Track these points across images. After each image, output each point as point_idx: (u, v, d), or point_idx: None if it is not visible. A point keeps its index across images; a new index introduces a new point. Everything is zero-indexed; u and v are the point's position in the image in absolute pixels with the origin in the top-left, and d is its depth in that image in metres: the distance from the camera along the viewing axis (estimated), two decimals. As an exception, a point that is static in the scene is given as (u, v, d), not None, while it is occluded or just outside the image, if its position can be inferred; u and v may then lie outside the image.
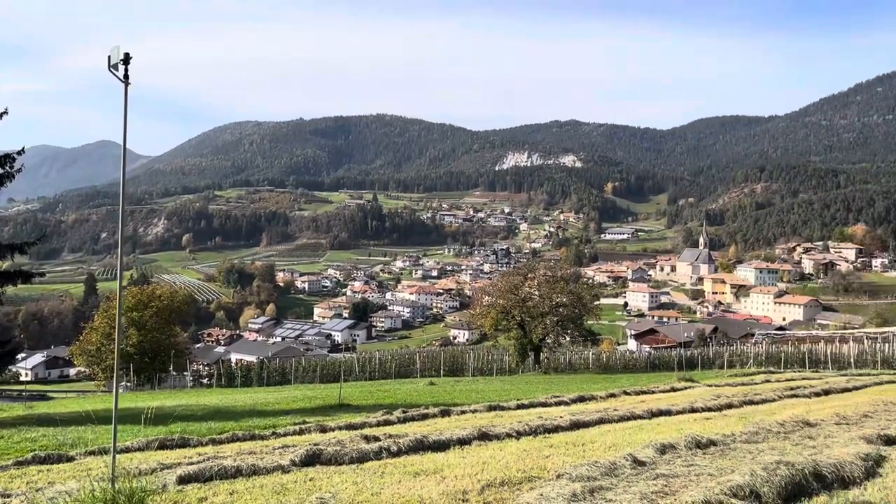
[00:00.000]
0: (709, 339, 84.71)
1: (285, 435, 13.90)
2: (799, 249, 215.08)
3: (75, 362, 67.83)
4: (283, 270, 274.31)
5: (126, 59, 6.52)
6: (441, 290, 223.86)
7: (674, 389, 25.21)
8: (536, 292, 52.88)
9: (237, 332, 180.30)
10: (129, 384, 51.93)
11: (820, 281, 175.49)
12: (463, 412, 17.34)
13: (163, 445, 12.15)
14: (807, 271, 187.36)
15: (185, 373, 58.64)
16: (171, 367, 56.65)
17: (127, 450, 11.78)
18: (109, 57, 6.60)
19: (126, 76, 6.55)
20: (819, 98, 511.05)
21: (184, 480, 8.32)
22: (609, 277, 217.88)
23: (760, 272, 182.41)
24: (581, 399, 20.74)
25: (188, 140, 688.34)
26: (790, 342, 64.65)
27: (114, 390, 8.14)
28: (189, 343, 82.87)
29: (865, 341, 55.49)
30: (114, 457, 7.43)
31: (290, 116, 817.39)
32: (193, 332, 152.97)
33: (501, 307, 52.61)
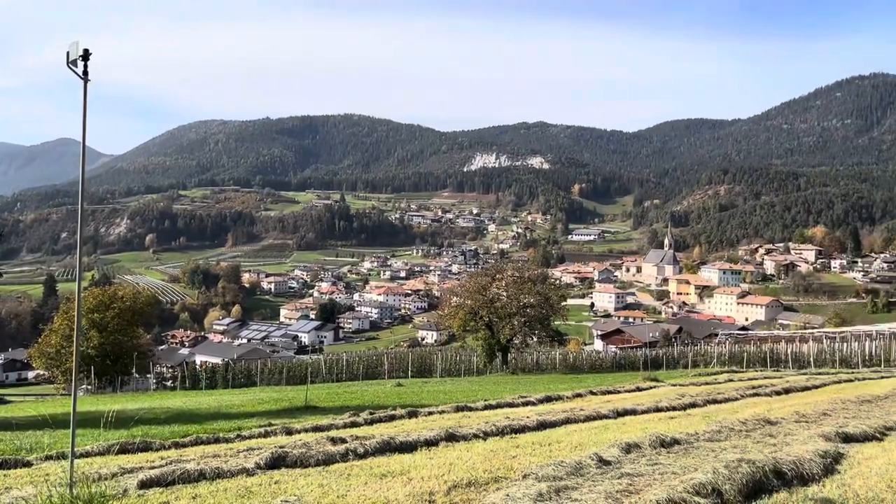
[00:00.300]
0: (673, 340, 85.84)
1: (250, 437, 13.73)
2: (761, 251, 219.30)
3: (34, 365, 66.30)
4: (249, 271, 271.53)
5: (86, 56, 6.37)
6: (409, 291, 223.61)
7: (639, 389, 25.49)
8: (504, 293, 53.08)
9: (202, 333, 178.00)
10: (89, 387, 50.91)
11: (781, 281, 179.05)
12: (430, 413, 17.31)
13: (124, 449, 11.90)
14: (768, 272, 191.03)
15: (149, 375, 57.68)
16: (134, 370, 55.67)
17: (87, 454, 11.52)
18: (68, 53, 6.45)
19: (86, 73, 6.40)
20: (780, 102, 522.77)
21: (145, 485, 8.16)
22: (576, 278, 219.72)
23: (724, 273, 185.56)
24: (548, 399, 20.86)
25: (152, 138, 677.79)
26: (752, 342, 65.87)
27: (72, 393, 7.96)
28: (152, 345, 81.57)
29: (824, 341, 56.76)
30: (72, 461, 7.26)
31: (256, 115, 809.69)
32: (157, 333, 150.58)
33: (469, 308, 52.71)
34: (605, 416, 15.22)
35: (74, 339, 7.31)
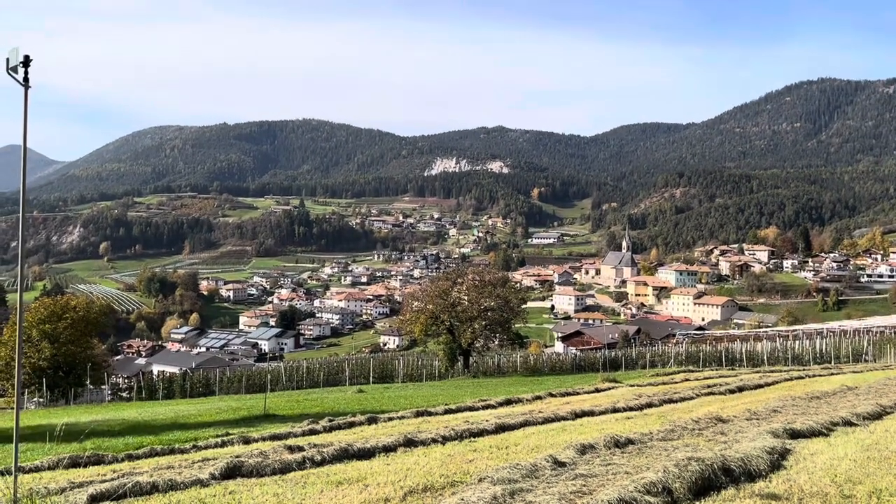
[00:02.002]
0: (632, 340, 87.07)
1: (206, 448, 13.53)
2: (716, 252, 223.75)
3: (-18, 378, 64.10)
4: (207, 278, 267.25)
5: (26, 62, 6.23)
6: (371, 297, 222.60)
7: (598, 390, 25.79)
8: (465, 297, 53.21)
9: (159, 342, 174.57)
10: (41, 400, 49.56)
11: (736, 282, 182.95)
12: (390, 419, 17.27)
13: (74, 463, 11.62)
14: (724, 273, 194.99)
15: (103, 386, 56.38)
16: (88, 381, 54.33)
17: (35, 469, 11.23)
18: (8, 59, 6.30)
19: (26, 79, 6.26)
20: (733, 106, 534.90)
21: (95, 499, 7.99)
22: (536, 281, 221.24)
23: (680, 274, 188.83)
24: (508, 402, 20.97)
25: (106, 144, 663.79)
26: (708, 342, 67.22)
27: (15, 402, 7.76)
28: (107, 355, 79.80)
29: (777, 339, 58.19)
30: (15, 476, 7.07)
31: (213, 120, 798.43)
32: (112, 343, 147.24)
33: (431, 312, 52.67)
34: (564, 418, 15.38)
35: (17, 348, 7.11)
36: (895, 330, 58.97)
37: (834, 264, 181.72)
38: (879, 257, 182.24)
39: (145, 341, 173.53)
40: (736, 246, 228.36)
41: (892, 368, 32.79)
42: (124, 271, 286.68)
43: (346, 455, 10.50)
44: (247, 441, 14.13)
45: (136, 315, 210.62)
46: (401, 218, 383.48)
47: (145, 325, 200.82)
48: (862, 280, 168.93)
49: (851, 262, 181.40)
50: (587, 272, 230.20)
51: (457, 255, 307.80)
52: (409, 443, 11.59)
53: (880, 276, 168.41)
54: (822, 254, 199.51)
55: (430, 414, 18.22)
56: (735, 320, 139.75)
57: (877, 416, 13.03)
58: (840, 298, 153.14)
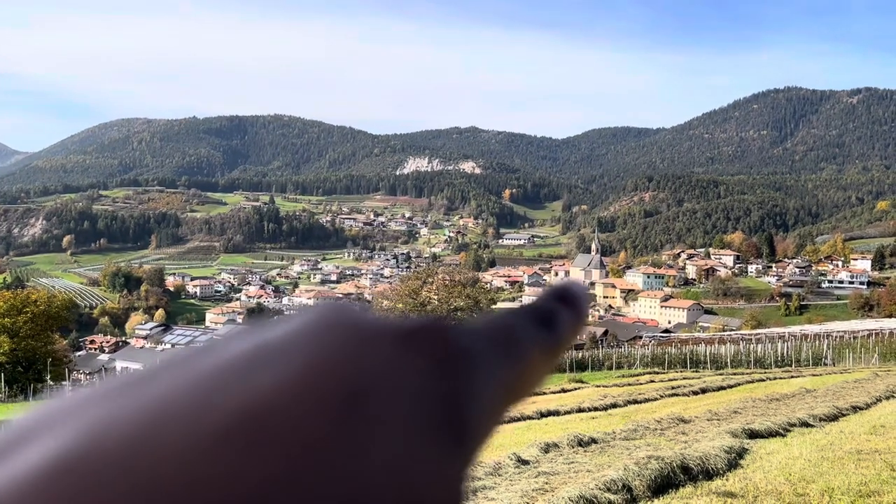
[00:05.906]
0: (600, 342, 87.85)
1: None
2: (683, 256, 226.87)
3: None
4: (174, 274, 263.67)
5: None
6: (340, 295, 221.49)
7: (564, 390, 26.05)
8: (435, 297, 53.28)
9: (123, 338, 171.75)
10: (0, 396, 48.62)
11: (702, 285, 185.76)
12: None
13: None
14: (690, 276, 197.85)
15: (64, 382, 55.38)
16: (49, 377, 53.35)
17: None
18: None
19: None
20: (702, 113, 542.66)
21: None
22: (507, 282, 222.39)
23: (648, 277, 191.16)
24: (474, 401, 21.04)
25: (71, 136, 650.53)
26: (674, 344, 68.11)
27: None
28: (69, 351, 78.25)
29: (741, 343, 59.25)
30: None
31: (182, 114, 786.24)
32: (74, 339, 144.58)
33: (400, 311, 52.69)
34: (529, 417, 15.53)
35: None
36: (854, 335, 60.42)
37: (797, 270, 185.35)
38: (840, 263, 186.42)
39: (108, 337, 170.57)
40: (703, 250, 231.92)
41: (850, 372, 33.60)
42: (88, 265, 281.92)
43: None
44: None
45: (100, 310, 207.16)
46: (372, 216, 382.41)
47: (109, 320, 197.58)
48: (823, 286, 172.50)
49: (813, 268, 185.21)
50: (557, 274, 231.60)
51: (427, 255, 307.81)
52: (375, 441, 11.59)
53: (841, 282, 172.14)
54: (786, 259, 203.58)
55: (396, 412, 18.22)
56: (700, 323, 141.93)
57: (833, 417, 13.36)
58: (802, 303, 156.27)
